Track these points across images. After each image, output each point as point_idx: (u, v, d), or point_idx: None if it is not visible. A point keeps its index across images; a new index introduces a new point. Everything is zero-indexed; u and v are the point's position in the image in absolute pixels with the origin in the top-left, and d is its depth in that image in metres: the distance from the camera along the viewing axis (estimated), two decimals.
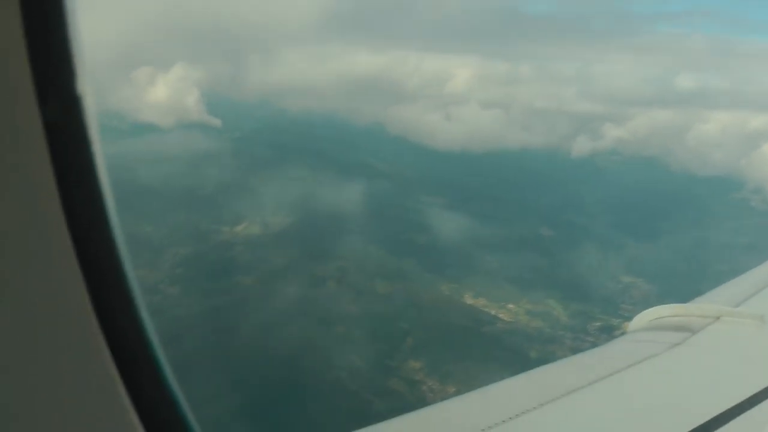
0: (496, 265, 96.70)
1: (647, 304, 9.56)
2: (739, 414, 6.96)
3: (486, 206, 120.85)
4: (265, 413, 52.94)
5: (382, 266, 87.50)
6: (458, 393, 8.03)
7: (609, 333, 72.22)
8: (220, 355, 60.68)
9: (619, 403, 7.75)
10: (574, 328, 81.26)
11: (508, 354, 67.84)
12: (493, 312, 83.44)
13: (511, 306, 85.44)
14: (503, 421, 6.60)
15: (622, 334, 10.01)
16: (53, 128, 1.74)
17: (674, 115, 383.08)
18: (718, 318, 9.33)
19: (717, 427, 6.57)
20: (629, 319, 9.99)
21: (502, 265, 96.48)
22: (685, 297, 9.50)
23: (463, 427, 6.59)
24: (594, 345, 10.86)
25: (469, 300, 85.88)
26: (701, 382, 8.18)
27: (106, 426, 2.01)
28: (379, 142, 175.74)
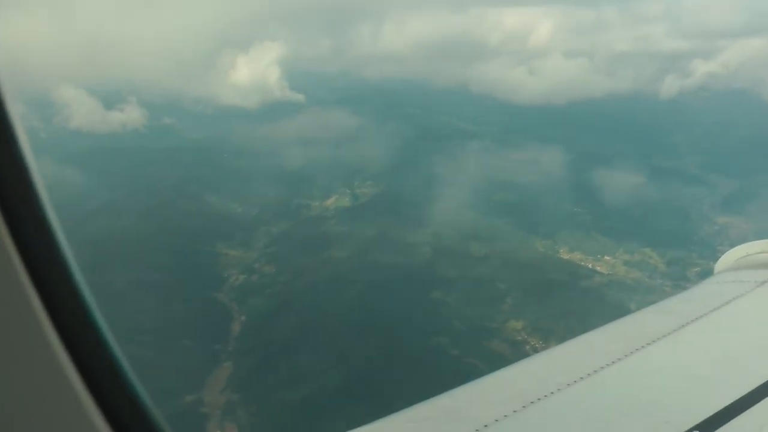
0: (589, 218, 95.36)
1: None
2: None
3: (573, 158, 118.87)
4: (370, 383, 53.24)
5: (475, 228, 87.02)
6: None
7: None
8: (322, 330, 61.19)
9: (701, 349, 7.83)
10: (674, 275, 79.96)
11: (608, 307, 66.88)
12: (590, 265, 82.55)
13: (607, 258, 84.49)
14: (591, 374, 6.95)
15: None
16: None
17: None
18: None
19: None
20: None
21: (595, 217, 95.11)
22: None
23: (552, 380, 6.82)
24: None
25: (565, 255, 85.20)
26: None
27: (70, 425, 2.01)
28: (462, 103, 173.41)
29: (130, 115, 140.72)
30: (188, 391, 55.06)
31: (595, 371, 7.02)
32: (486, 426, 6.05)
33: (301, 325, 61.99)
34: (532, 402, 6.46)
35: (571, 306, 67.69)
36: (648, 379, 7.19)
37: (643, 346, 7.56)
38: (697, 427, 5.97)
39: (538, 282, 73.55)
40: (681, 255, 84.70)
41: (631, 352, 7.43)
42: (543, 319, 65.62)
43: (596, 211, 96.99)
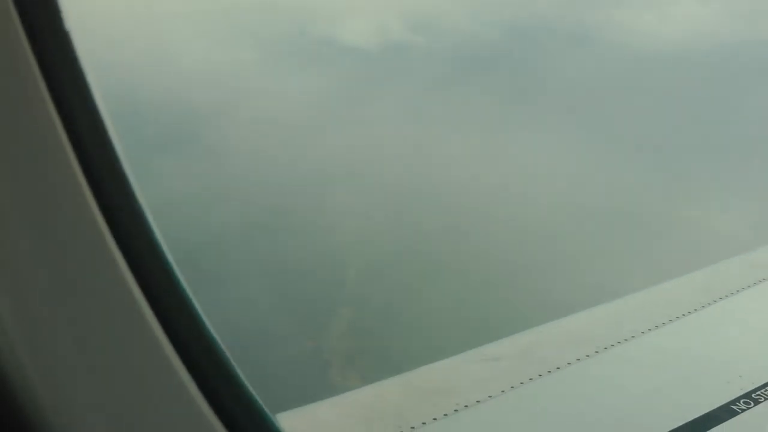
0: (707, 171, 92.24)
1: None
2: None
3: (695, 112, 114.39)
4: (490, 334, 52.74)
5: (582, 180, 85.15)
6: None
7: None
8: (442, 278, 60.77)
9: None
10: None
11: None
12: (711, 223, 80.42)
13: (727, 215, 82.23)
14: (667, 323, 7.17)
15: None
16: (48, 68, 1.90)
17: None
18: None
19: None
20: None
21: (708, 170, 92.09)
22: None
23: (627, 327, 7.06)
24: None
25: (672, 209, 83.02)
26: None
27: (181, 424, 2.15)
28: (583, 53, 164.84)
29: (240, 55, 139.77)
30: (309, 336, 55.20)
31: (671, 320, 7.21)
32: (558, 368, 6.38)
33: (420, 271, 61.62)
34: (605, 348, 6.73)
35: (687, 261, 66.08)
36: (725, 332, 7.36)
37: (722, 298, 7.69)
38: None
39: (662, 240, 72.01)
40: None
41: (710, 303, 7.58)
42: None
43: (707, 162, 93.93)
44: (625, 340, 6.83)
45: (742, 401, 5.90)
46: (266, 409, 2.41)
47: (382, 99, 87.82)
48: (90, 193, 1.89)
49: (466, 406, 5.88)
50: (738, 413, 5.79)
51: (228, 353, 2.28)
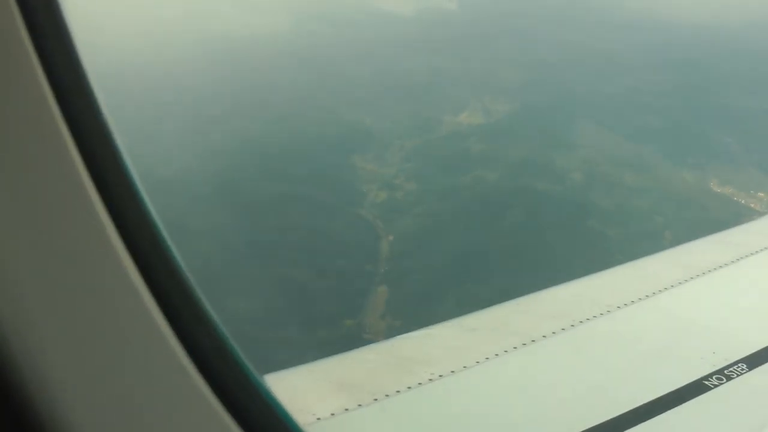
0: (740, 149, 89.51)
1: None
2: None
3: (726, 83, 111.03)
4: None
5: (624, 155, 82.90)
6: None
7: None
8: (484, 256, 58.79)
9: (756, 282, 7.87)
10: None
11: None
12: (742, 201, 78.36)
13: (761, 194, 79.99)
14: (642, 299, 7.21)
15: None
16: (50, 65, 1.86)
17: None
18: None
19: None
20: None
21: (747, 149, 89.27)
22: None
23: (603, 302, 7.09)
24: None
25: (716, 188, 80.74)
26: None
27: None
28: (611, 21, 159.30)
29: (274, 20, 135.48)
30: (348, 315, 53.53)
31: (646, 296, 7.28)
32: (534, 341, 6.46)
33: (460, 249, 59.60)
34: (581, 321, 6.79)
35: None
36: (698, 309, 7.34)
37: (697, 276, 7.71)
38: (743, 360, 6.17)
39: (695, 216, 70.08)
40: None
41: (685, 281, 7.62)
42: None
43: (748, 142, 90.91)
44: (601, 314, 6.95)
45: (714, 377, 6.01)
46: (281, 403, 2.30)
47: None
48: (93, 187, 1.84)
49: (440, 375, 5.97)
50: (710, 389, 5.88)
51: (236, 345, 2.15)
